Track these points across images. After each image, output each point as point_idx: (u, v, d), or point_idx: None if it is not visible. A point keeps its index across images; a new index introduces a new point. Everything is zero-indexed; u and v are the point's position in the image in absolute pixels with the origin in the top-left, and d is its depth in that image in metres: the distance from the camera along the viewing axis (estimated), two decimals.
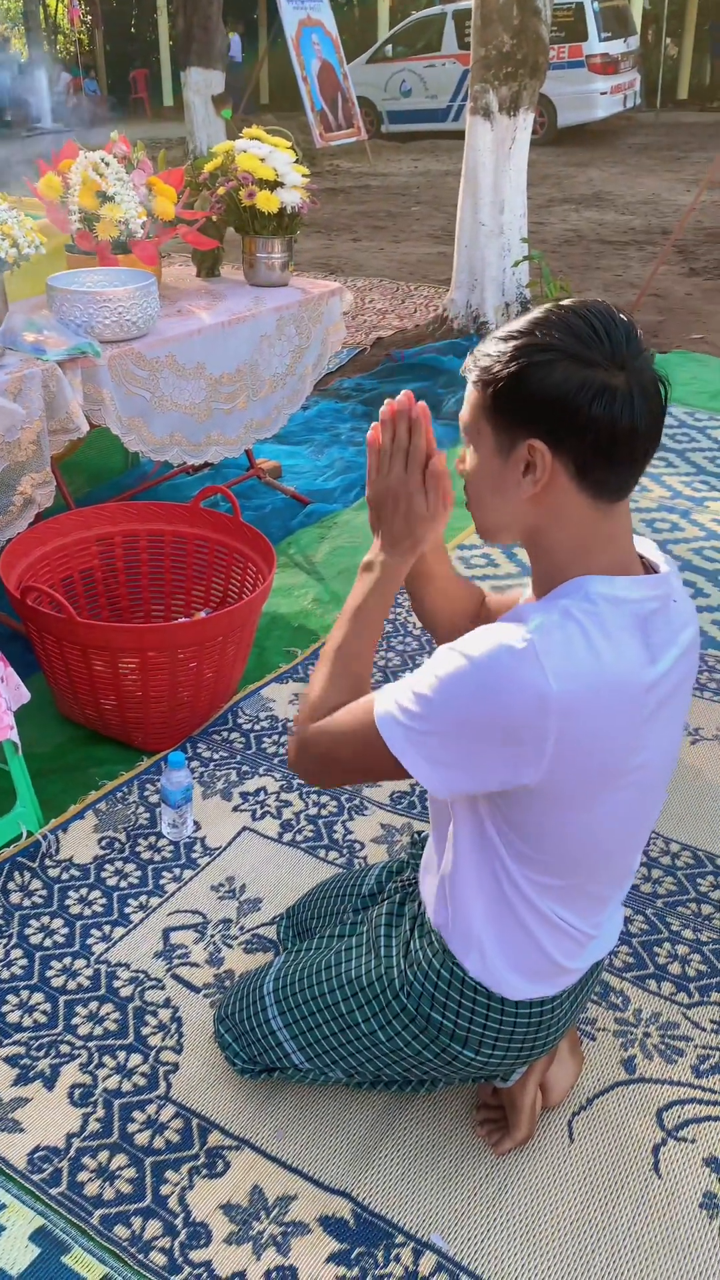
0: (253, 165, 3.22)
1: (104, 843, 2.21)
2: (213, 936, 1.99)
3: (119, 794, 2.35)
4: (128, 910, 2.04)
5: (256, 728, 2.58)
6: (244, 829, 2.26)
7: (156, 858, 2.17)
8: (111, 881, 2.11)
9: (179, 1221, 1.52)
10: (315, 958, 1.60)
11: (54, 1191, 1.55)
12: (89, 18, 20.32)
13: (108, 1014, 1.83)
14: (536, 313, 1.19)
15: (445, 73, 13.87)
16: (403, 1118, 1.66)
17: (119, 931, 1.99)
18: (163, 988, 1.88)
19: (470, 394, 1.23)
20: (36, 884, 2.10)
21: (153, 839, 2.22)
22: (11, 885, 2.09)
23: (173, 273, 3.65)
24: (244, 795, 2.35)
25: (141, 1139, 1.63)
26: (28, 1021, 1.81)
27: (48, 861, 2.16)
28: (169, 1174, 1.58)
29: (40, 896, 2.07)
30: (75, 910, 2.04)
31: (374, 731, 1.24)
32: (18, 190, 3.42)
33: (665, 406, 1.17)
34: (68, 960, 1.93)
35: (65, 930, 1.99)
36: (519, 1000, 1.41)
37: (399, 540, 1.36)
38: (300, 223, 3.37)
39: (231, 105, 10.72)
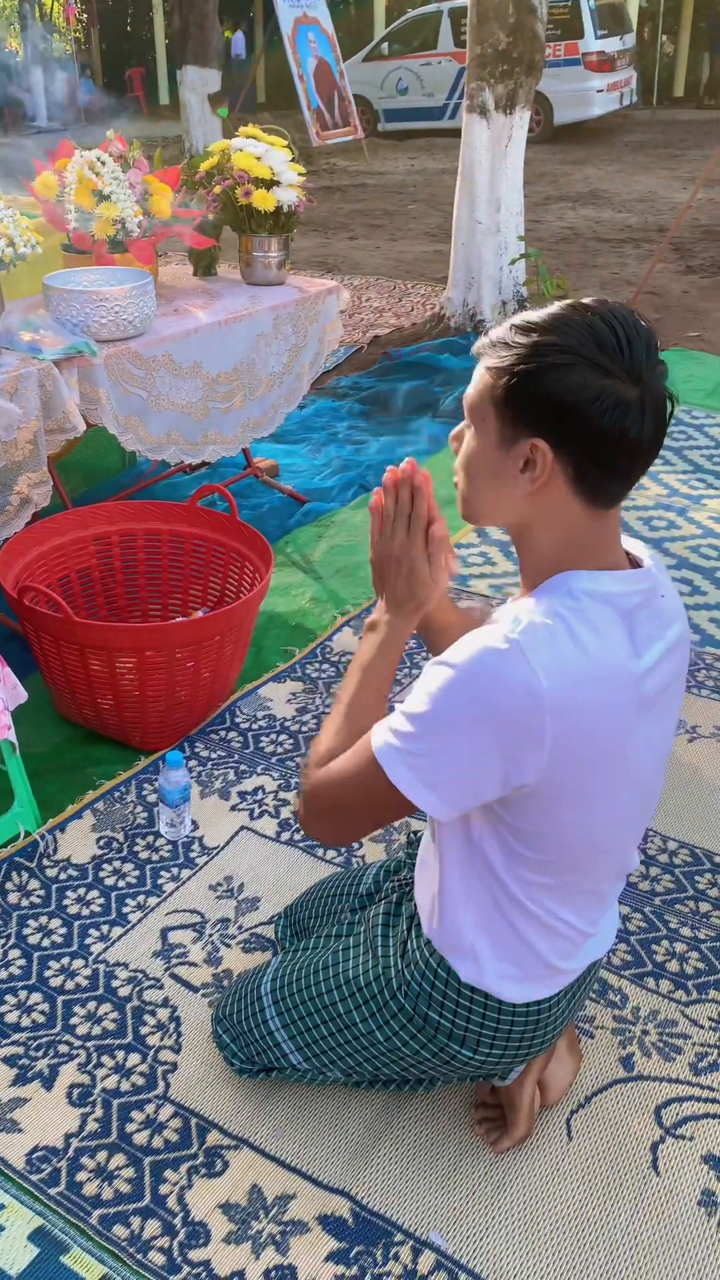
0: (249, 164, 3.22)
1: (102, 842, 2.21)
2: (211, 936, 1.99)
3: (117, 794, 2.35)
4: (126, 910, 2.04)
5: (254, 727, 2.58)
6: (242, 828, 2.26)
7: (154, 857, 2.17)
8: (109, 881, 2.11)
9: (178, 1221, 1.52)
10: (313, 958, 1.60)
11: (53, 1191, 1.55)
12: (85, 16, 20.29)
13: (106, 1014, 1.83)
14: (559, 309, 1.17)
15: (441, 71, 13.85)
16: (401, 1116, 1.67)
17: (117, 931, 1.99)
18: (161, 987, 1.88)
19: (482, 377, 1.21)
20: (34, 884, 2.10)
21: (150, 838, 2.22)
22: (9, 885, 2.09)
23: (169, 272, 3.65)
24: (242, 794, 2.35)
25: (140, 1139, 1.63)
26: (26, 1021, 1.81)
27: (45, 861, 2.16)
28: (168, 1173, 1.58)
29: (38, 896, 2.07)
30: (73, 910, 2.04)
31: (375, 767, 1.22)
32: (14, 189, 3.41)
33: (669, 421, 1.17)
34: (66, 960, 1.93)
35: (63, 930, 1.99)
36: (516, 1001, 1.41)
37: (402, 603, 1.36)
38: (297, 221, 3.36)
39: (228, 104, 10.70)
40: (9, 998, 1.85)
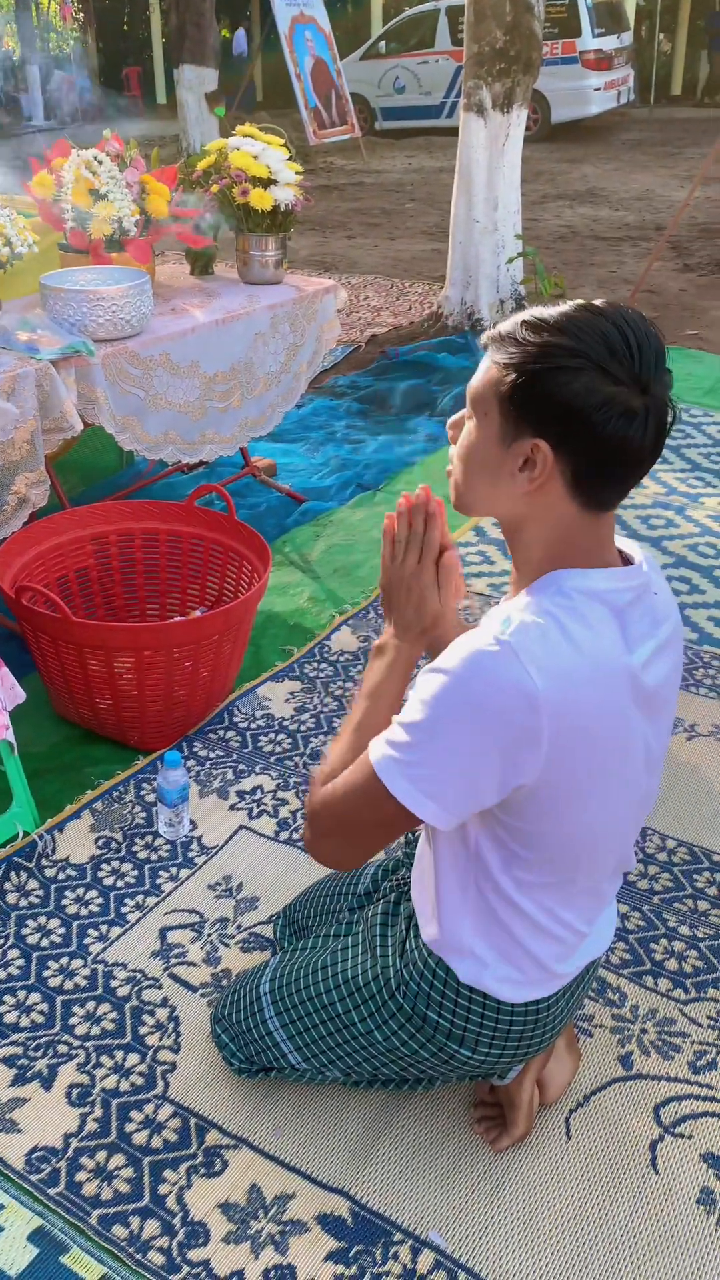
0: (246, 163, 3.22)
1: (100, 842, 2.21)
2: (210, 935, 1.99)
3: (115, 793, 2.35)
4: (124, 910, 2.04)
5: (253, 726, 2.58)
6: (241, 828, 2.26)
7: (153, 857, 2.17)
8: (108, 881, 2.11)
9: (177, 1221, 1.52)
10: (311, 957, 1.60)
11: (52, 1192, 1.55)
12: (81, 15, 20.27)
13: (105, 1014, 1.83)
14: (572, 309, 1.15)
15: (439, 69, 13.84)
16: (400, 1116, 1.67)
17: (116, 931, 1.99)
18: (160, 987, 1.88)
19: (489, 369, 1.20)
20: (33, 884, 2.10)
21: (149, 838, 2.22)
22: (8, 885, 2.09)
23: (166, 271, 3.65)
24: (240, 794, 2.35)
25: (139, 1138, 1.63)
26: (25, 1022, 1.81)
27: (44, 861, 2.15)
28: (167, 1173, 1.58)
29: (37, 896, 2.07)
30: (72, 910, 2.04)
31: (376, 781, 1.21)
32: (11, 188, 3.41)
33: (669, 431, 1.16)
34: (65, 960, 1.93)
35: (62, 930, 1.99)
36: (515, 1001, 1.42)
37: (410, 627, 1.37)
38: (294, 220, 3.36)
39: (225, 103, 10.69)
40: (8, 998, 1.85)
